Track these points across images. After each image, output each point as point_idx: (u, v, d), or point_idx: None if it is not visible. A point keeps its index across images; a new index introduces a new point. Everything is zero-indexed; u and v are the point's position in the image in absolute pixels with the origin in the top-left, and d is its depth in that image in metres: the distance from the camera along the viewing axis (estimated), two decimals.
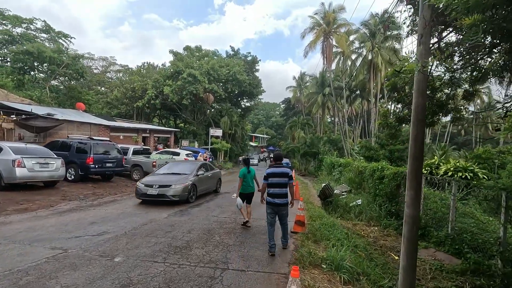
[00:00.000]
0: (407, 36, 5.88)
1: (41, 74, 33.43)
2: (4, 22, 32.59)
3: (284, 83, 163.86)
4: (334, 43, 34.19)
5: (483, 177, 10.74)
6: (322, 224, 6.64)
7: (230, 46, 51.48)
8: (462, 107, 6.50)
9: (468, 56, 5.33)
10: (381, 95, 37.01)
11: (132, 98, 35.81)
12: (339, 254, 4.44)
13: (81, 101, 28.21)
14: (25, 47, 28.74)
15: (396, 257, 7.22)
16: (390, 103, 36.82)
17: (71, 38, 36.46)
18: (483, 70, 5.08)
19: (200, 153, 22.85)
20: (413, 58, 5.20)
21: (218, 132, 32.10)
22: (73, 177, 11.55)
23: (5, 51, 31.73)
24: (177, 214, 7.59)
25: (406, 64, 5.58)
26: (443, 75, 5.75)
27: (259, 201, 5.53)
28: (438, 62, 4.94)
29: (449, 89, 6.09)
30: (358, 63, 36.75)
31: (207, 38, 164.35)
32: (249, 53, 41.53)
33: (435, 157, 14.88)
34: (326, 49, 33.97)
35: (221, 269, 3.98)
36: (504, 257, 5.48)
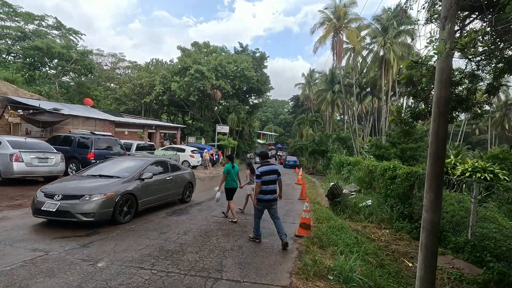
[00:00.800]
0: (426, 23, 5.28)
1: (52, 71, 33.72)
2: (16, 19, 32.93)
3: (293, 81, 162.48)
4: (344, 38, 33.27)
5: (504, 179, 10.01)
6: (329, 227, 6.14)
7: (239, 42, 51.06)
8: (485, 103, 5.90)
9: (493, 46, 4.76)
10: (392, 92, 35.93)
11: (140, 94, 35.81)
12: (348, 264, 3.94)
13: (89, 97, 28.31)
14: (34, 43, 28.93)
15: (410, 264, 6.67)
16: (402, 99, 35.75)
17: (82, 34, 36.64)
18: (510, 60, 4.53)
19: (205, 150, 22.55)
20: (435, 45, 4.62)
21: (225, 129, 31.74)
22: (74, 172, 11.32)
23: (17, 47, 32.09)
24: (176, 213, 7.21)
25: (427, 51, 5.00)
26: (464, 67, 5.19)
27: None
28: (460, 52, 4.38)
29: (471, 83, 5.52)
30: (369, 60, 35.79)
31: (216, 35, 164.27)
32: (258, 49, 40.94)
33: (451, 157, 14.12)
34: (336, 44, 33.09)
35: (213, 278, 3.54)
36: None
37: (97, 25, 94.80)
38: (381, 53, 33.84)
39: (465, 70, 5.20)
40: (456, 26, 4.93)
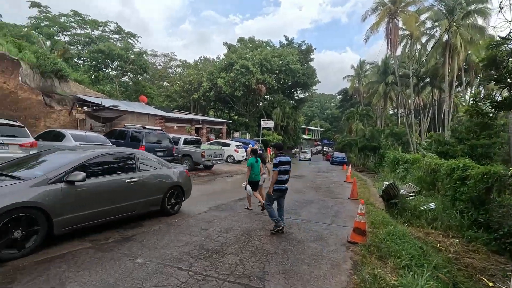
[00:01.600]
0: None
1: (114, 72, 36.95)
2: (85, 26, 36.79)
3: (341, 74, 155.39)
4: (400, 24, 30.31)
5: None
6: (388, 234, 5.33)
7: (284, 35, 49.72)
8: None
9: None
10: (457, 82, 31.79)
11: (189, 91, 37.31)
12: (417, 284, 3.21)
13: (144, 95, 30.39)
14: (98, 46, 31.91)
15: (491, 284, 5.53)
16: (470, 89, 31.46)
17: (138, 37, 39.48)
18: None
19: (250, 145, 22.47)
20: None
21: (270, 124, 31.40)
22: None
23: (85, 51, 35.82)
24: (218, 208, 7.02)
25: None
26: None
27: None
28: None
29: None
30: (429, 46, 32.11)
31: (261, 31, 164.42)
32: (304, 41, 39.70)
33: None
34: (391, 31, 30.30)
35: None
36: None
37: (152, 28, 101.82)
38: (445, 38, 30.07)
39: None
40: None
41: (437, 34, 30.63)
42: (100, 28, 37.75)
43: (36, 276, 3.04)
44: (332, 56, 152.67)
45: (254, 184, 7.05)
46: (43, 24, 33.01)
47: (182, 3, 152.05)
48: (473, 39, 25.79)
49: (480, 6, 27.34)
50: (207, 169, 15.27)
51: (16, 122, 8.12)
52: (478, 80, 32.69)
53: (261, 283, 3.25)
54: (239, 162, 20.16)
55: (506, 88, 5.75)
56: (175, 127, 20.18)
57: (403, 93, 37.01)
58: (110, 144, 10.55)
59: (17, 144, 7.49)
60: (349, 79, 53.89)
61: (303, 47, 38.53)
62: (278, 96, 34.97)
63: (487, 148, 14.82)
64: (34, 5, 33.64)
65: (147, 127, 13.38)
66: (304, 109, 64.18)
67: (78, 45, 35.79)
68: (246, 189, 6.98)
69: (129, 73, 37.46)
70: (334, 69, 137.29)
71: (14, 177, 3.93)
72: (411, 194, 11.78)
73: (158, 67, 49.21)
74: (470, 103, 7.82)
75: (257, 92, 32.49)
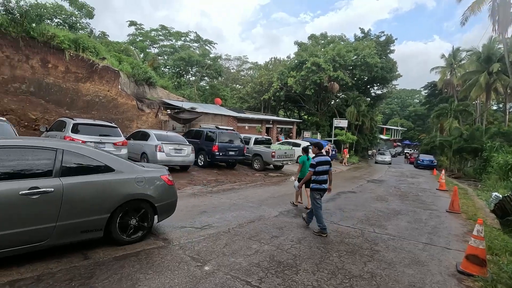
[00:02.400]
0: None
1: (193, 77, 40.35)
2: (170, 38, 41.27)
3: (426, 66, 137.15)
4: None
5: None
6: None
7: (359, 28, 45.84)
8: None
9: None
10: None
11: (260, 92, 37.94)
12: None
13: (219, 97, 32.20)
14: (180, 55, 35.22)
15: None
16: None
17: (214, 44, 42.37)
18: None
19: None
20: None
21: (343, 123, 29.39)
22: (202, 163, 12.59)
23: (170, 61, 40.13)
24: (290, 213, 6.52)
25: None
26: None
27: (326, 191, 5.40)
28: None
29: None
30: None
31: (334, 27, 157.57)
32: (382, 32, 35.90)
33: None
34: (499, 8, 24.89)
35: None
36: None
37: (226, 34, 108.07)
38: None
39: None
40: None
41: None
42: (182, 39, 41.72)
43: (111, 274, 3.08)
44: (415, 47, 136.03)
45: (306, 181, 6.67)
46: (138, 40, 38.16)
47: (254, 8, 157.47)
48: None
49: None
50: (277, 170, 14.96)
51: (111, 123, 9.21)
52: None
53: None
54: None
55: None
56: (246, 127, 20.55)
57: None
58: (187, 143, 11.19)
59: (111, 143, 8.46)
60: (439, 70, 46.60)
61: (382, 38, 34.98)
62: (353, 93, 32.50)
63: None
64: (132, 24, 39.27)
65: (220, 127, 13.83)
66: (382, 107, 58.50)
67: (164, 56, 40.19)
68: (294, 183, 6.98)
69: (206, 77, 40.34)
70: (417, 61, 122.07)
71: None
72: None
73: (232, 71, 51.66)
74: None
75: (329, 90, 30.83)
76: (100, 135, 8.36)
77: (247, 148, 14.07)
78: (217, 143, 12.14)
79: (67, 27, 20.64)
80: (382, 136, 54.46)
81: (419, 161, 29.32)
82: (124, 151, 8.72)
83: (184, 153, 10.70)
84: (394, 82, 37.94)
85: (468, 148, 23.06)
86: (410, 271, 3.77)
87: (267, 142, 15.89)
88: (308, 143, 22.32)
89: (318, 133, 30.93)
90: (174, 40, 41.53)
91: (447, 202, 9.04)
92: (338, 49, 30.18)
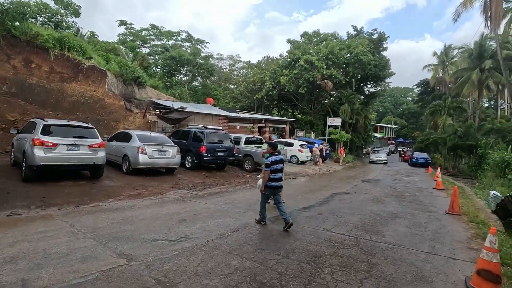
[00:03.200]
0: None
1: (185, 77, 39.56)
2: (161, 37, 40.39)
3: (418, 64, 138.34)
4: None
5: None
6: None
7: (352, 25, 45.56)
8: None
9: None
10: None
11: (253, 91, 37.32)
12: None
13: (211, 97, 31.53)
14: (170, 53, 34.43)
15: None
16: None
17: (206, 43, 41.55)
18: None
19: (315, 144, 20.85)
20: None
21: (337, 121, 29.00)
22: (190, 165, 11.96)
23: (160, 60, 39.28)
24: (279, 219, 5.98)
25: None
26: None
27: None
28: None
29: None
30: None
31: (327, 26, 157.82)
32: (375, 29, 35.65)
33: None
34: (491, 3, 24.68)
35: None
36: None
37: (219, 34, 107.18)
38: None
39: None
40: None
41: None
42: (174, 38, 40.88)
43: None
44: (408, 46, 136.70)
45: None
46: (128, 39, 37.22)
47: (246, 7, 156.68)
48: None
49: None
50: None
51: (87, 124, 8.54)
52: None
53: None
54: (303, 163, 18.80)
55: None
56: (238, 126, 19.96)
57: (509, 79, 29.96)
58: (172, 144, 10.57)
59: (86, 145, 7.80)
60: (431, 68, 46.70)
61: (374, 36, 34.66)
62: (346, 91, 32.11)
63: None
64: (122, 23, 38.25)
65: (208, 127, 13.22)
66: (376, 105, 58.38)
67: (156, 55, 39.32)
68: (258, 184, 6.35)
69: (199, 77, 39.59)
70: (410, 60, 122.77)
71: None
72: None
73: (225, 70, 50.95)
74: None
75: (322, 88, 30.40)
76: (74, 137, 7.68)
77: (238, 148, 13.49)
78: (205, 144, 11.53)
79: (52, 26, 19.84)
80: (376, 134, 54.36)
81: (413, 159, 29.07)
82: (101, 153, 8.06)
83: (169, 155, 10.08)
84: (387, 80, 37.72)
85: (463, 145, 22.84)
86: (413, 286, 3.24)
87: (259, 142, 15.34)
88: (322, 146, 21.80)
89: (312, 132, 30.49)
90: (165, 40, 40.67)
91: (446, 202, 8.60)
92: (331, 46, 29.77)
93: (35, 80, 15.64)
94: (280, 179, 5.47)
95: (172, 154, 10.13)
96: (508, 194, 7.96)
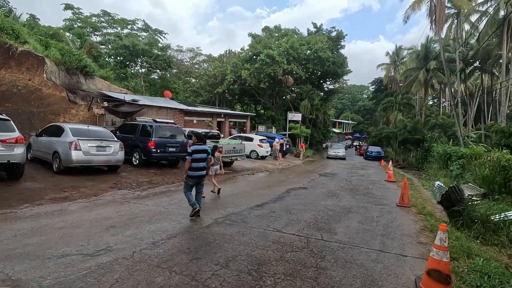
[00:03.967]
0: None
1: (142, 69, 36.93)
2: (115, 26, 37.09)
3: (373, 64, 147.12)
4: (446, 2, 26.73)
5: None
6: (480, 273, 3.38)
7: (312, 22, 46.48)
8: None
9: None
10: None
11: (214, 85, 36.21)
12: None
13: (169, 90, 29.78)
14: (123, 42, 31.81)
15: None
16: None
17: (165, 34, 39.11)
18: None
19: (276, 139, 20.69)
20: None
21: (298, 117, 29.28)
22: (137, 162, 10.88)
23: (113, 50, 36.13)
24: (227, 220, 5.42)
25: None
26: None
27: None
28: None
29: None
30: (481, 26, 28.14)
31: (289, 23, 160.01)
32: (334, 27, 36.68)
33: None
34: (436, 8, 26.57)
35: None
36: None
37: (181, 27, 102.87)
38: (502, 13, 26.13)
39: None
40: None
41: (491, 11, 26.70)
42: (129, 27, 37.90)
43: None
44: (364, 46, 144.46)
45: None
46: (76, 26, 33.61)
47: (209, 0, 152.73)
48: None
49: None
50: (226, 167, 13.81)
51: (1, 114, 7.14)
52: None
53: None
54: (263, 158, 18.51)
55: None
56: (195, 121, 19.01)
57: (450, 79, 32.79)
58: (114, 138, 9.44)
59: None
60: (384, 67, 49.67)
61: (333, 33, 35.63)
62: (306, 87, 32.59)
63: None
64: (68, 7, 34.29)
65: (159, 120, 12.15)
66: (335, 102, 60.67)
67: (108, 45, 36.13)
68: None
69: (157, 70, 37.27)
70: (366, 59, 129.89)
71: None
72: (474, 198, 9.37)
73: (185, 63, 48.83)
74: None
75: (283, 83, 30.47)
76: None
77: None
78: (154, 139, 10.51)
79: None
80: (335, 130, 56.49)
81: (368, 153, 30.51)
82: (18, 150, 6.77)
83: (110, 151, 8.95)
84: (345, 78, 39.22)
85: (412, 139, 24.41)
86: None
87: (216, 137, 14.62)
88: (282, 140, 21.48)
89: (273, 127, 30.47)
90: (119, 29, 37.46)
91: (396, 194, 8.78)
92: (292, 42, 29.85)
93: None
94: (202, 169, 5.53)
95: (113, 150, 9.01)
96: (451, 185, 8.33)
